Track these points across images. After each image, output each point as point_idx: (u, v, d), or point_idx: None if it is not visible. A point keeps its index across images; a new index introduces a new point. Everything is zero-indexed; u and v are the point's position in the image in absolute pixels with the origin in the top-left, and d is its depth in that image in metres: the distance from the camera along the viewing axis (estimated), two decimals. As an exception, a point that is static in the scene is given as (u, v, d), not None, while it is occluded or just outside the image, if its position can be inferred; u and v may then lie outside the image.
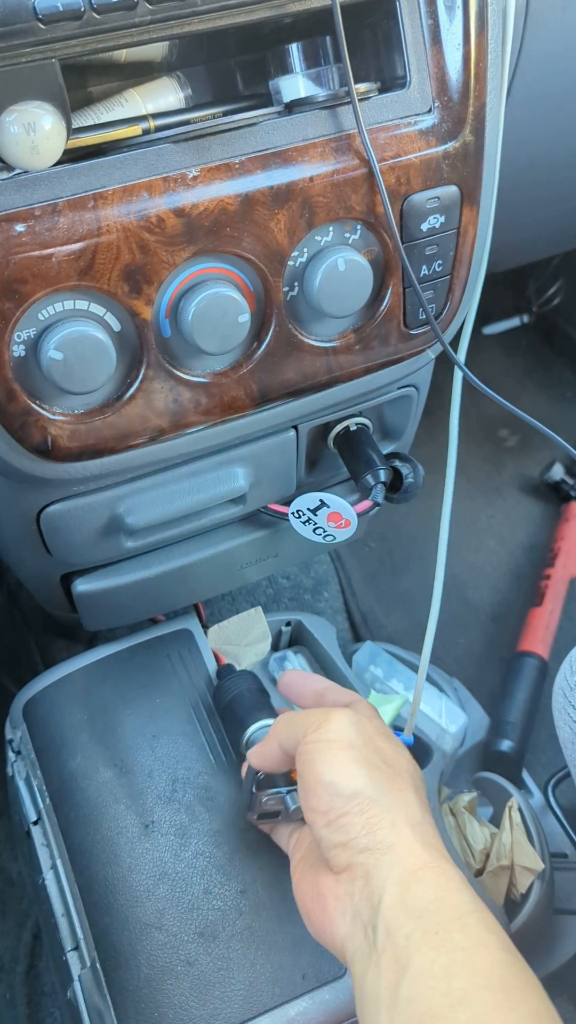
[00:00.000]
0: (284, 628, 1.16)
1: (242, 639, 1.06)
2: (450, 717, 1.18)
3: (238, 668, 0.97)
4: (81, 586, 0.91)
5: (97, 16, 0.58)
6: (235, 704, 0.88)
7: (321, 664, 1.15)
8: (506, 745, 1.29)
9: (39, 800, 0.91)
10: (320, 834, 0.66)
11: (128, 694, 0.93)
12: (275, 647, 1.16)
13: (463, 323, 0.84)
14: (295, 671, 0.83)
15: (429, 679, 1.26)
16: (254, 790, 0.77)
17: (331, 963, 0.78)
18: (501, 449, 1.92)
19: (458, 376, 0.85)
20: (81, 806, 0.87)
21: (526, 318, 2.06)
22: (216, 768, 0.89)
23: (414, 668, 1.26)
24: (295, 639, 1.18)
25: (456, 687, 1.32)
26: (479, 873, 1.06)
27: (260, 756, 0.76)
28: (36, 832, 0.91)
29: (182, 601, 1.01)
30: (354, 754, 0.67)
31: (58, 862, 0.87)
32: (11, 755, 0.97)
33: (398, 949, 0.59)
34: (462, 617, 1.61)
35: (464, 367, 0.76)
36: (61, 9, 0.57)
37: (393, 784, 0.66)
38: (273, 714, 0.87)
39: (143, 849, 0.83)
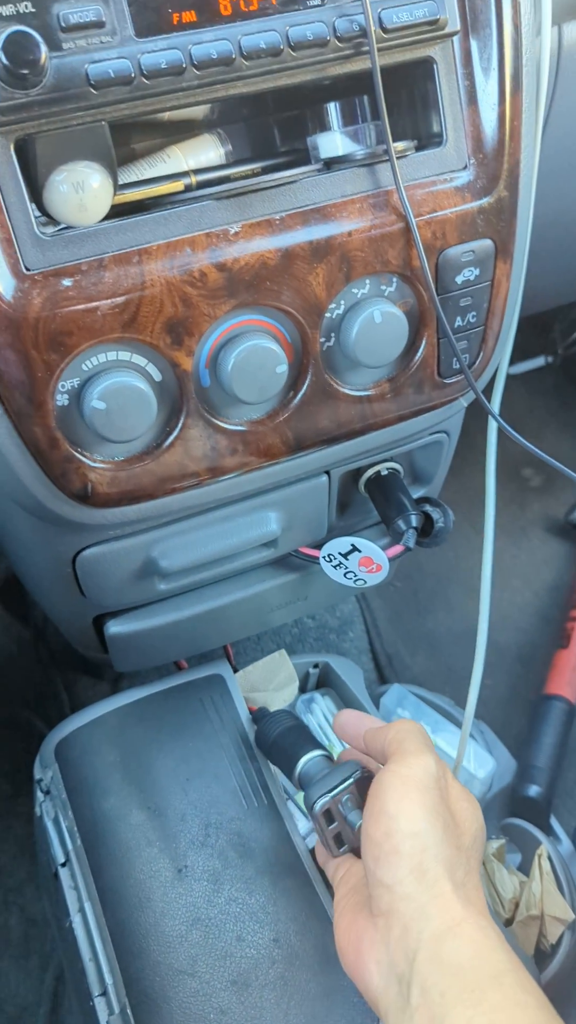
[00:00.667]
0: (312, 670, 1.16)
1: (269, 683, 1.06)
2: (478, 762, 1.17)
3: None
4: (114, 628, 0.92)
5: (147, 81, 0.60)
6: (281, 740, 0.88)
7: (348, 705, 1.15)
8: (534, 791, 1.28)
9: (68, 841, 0.91)
10: (369, 867, 0.66)
11: (161, 737, 0.93)
12: (302, 689, 1.17)
13: (496, 372, 0.85)
14: (350, 711, 0.83)
15: (456, 723, 1.25)
16: (319, 804, 0.76)
17: (365, 1015, 0.77)
18: (526, 489, 1.93)
19: (492, 426, 0.86)
20: (113, 849, 0.87)
21: (551, 358, 2.07)
22: (248, 813, 0.89)
23: (441, 711, 1.25)
24: (322, 681, 1.18)
25: (483, 730, 1.32)
26: (509, 923, 1.04)
27: (352, 724, 0.78)
28: (64, 874, 0.91)
29: (212, 643, 1.01)
30: (425, 798, 0.67)
31: (86, 905, 0.87)
32: (40, 795, 0.98)
33: (433, 1007, 0.58)
34: (487, 658, 1.60)
35: (498, 417, 0.77)
36: (112, 75, 0.59)
37: (451, 838, 0.66)
38: (317, 745, 0.87)
39: (176, 894, 0.83)
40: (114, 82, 0.59)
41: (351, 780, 0.77)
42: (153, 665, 1.01)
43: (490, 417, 0.80)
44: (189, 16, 0.61)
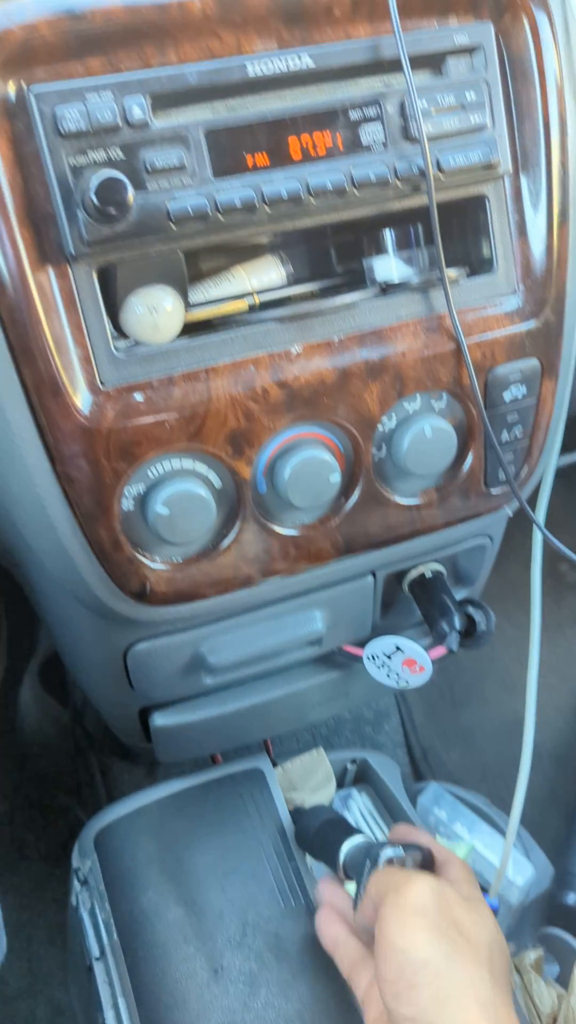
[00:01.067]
0: (349, 766, 1.16)
1: (306, 782, 1.07)
2: (516, 867, 1.16)
3: (308, 810, 0.98)
4: (159, 720, 0.93)
5: (221, 217, 0.65)
6: (322, 832, 0.89)
7: (385, 804, 1.14)
8: (573, 898, 1.25)
9: (104, 935, 0.91)
10: (390, 1006, 0.65)
11: (200, 831, 0.94)
12: (340, 784, 1.16)
13: (541, 482, 0.87)
14: (404, 826, 0.84)
15: (492, 824, 1.24)
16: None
17: None
18: (562, 584, 1.93)
19: (538, 537, 0.88)
20: (149, 945, 0.87)
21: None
22: (286, 913, 0.88)
23: (477, 811, 1.24)
24: (359, 777, 1.18)
25: (519, 833, 1.30)
26: (548, 1039, 1.01)
27: (360, 915, 0.76)
28: (99, 968, 0.90)
29: (253, 737, 1.03)
30: (427, 921, 0.67)
31: (120, 1001, 0.86)
32: (77, 885, 0.98)
33: None
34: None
35: (544, 528, 0.79)
36: (191, 212, 0.64)
37: (464, 957, 0.65)
38: (358, 831, 0.87)
39: (212, 995, 0.83)
40: (192, 218, 0.64)
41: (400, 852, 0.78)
42: (194, 757, 1.02)
43: (535, 526, 0.82)
44: (262, 159, 0.66)
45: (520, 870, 1.16)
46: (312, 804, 1.05)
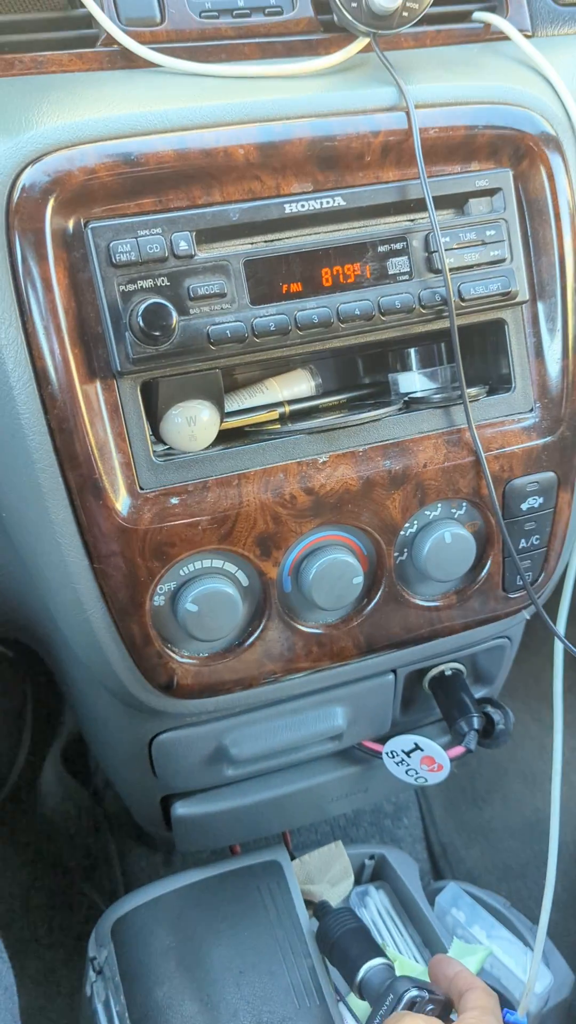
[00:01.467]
0: (367, 861, 1.16)
1: (324, 875, 1.07)
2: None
3: (324, 907, 0.99)
4: (180, 809, 0.95)
5: (257, 340, 0.70)
6: (343, 942, 0.89)
7: (403, 902, 1.14)
8: (593, 1008, 1.22)
9: (117, 1028, 0.91)
10: None
11: (217, 924, 0.95)
12: (357, 879, 1.16)
13: (562, 589, 0.90)
14: (442, 956, 0.85)
15: (511, 928, 1.22)
16: None
17: None
18: (584, 679, 1.92)
19: (559, 648, 0.90)
20: (162, 1041, 0.87)
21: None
22: (300, 1014, 0.88)
23: (496, 913, 1.23)
24: (377, 873, 1.18)
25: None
26: None
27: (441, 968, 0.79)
28: (111, 1062, 0.90)
29: (272, 829, 1.04)
30: None
31: None
32: (92, 974, 0.98)
33: None
34: (545, 857, 1.56)
35: (563, 638, 0.82)
36: (229, 335, 0.69)
37: None
38: (379, 951, 0.87)
39: None
40: (230, 340, 0.69)
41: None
42: (213, 847, 1.03)
43: (555, 636, 0.84)
44: (296, 287, 0.71)
45: (539, 977, 1.14)
46: (329, 898, 1.05)
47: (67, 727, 1.62)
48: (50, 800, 1.55)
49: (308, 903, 1.02)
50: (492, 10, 0.87)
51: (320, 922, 0.94)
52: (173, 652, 0.77)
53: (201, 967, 0.91)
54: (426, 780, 0.94)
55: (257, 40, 0.80)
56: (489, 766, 1.69)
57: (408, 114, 0.72)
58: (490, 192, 0.75)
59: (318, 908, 0.97)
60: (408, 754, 0.93)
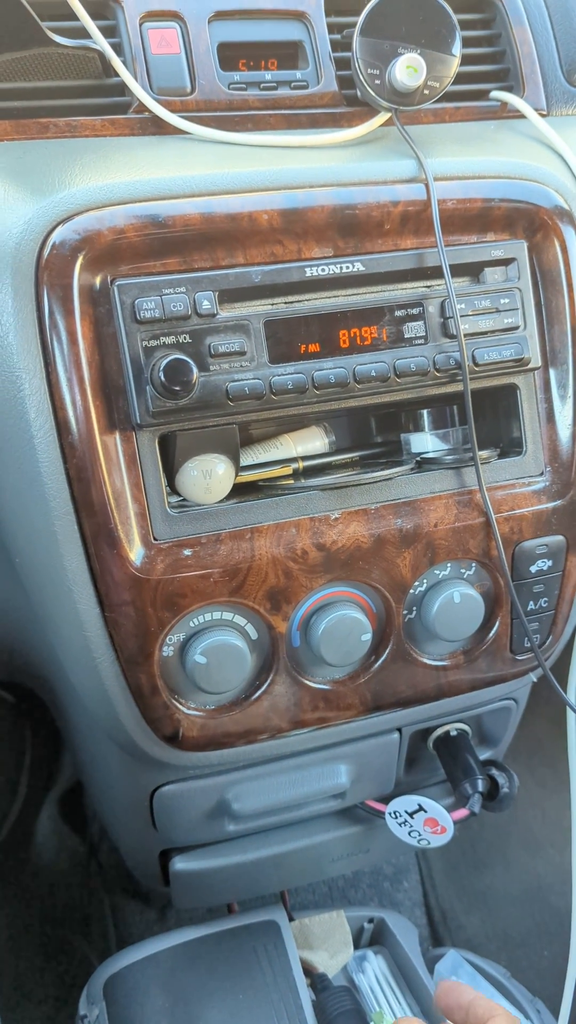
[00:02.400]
0: (366, 925, 1.14)
1: (323, 943, 1.05)
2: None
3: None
4: (179, 864, 0.94)
5: (274, 397, 0.72)
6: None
7: (401, 968, 1.11)
8: None
9: None
10: None
11: (211, 985, 0.93)
12: (355, 943, 1.14)
13: (573, 652, 0.90)
14: (449, 982, 0.82)
15: (512, 999, 1.19)
16: None
17: None
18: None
19: (572, 716, 0.90)
20: None
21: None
22: None
23: (497, 984, 1.20)
24: (376, 937, 1.15)
25: (540, 1009, 1.24)
26: None
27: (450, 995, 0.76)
28: None
29: (270, 888, 1.02)
30: None
31: None
32: (81, 1033, 0.96)
33: None
34: (547, 925, 1.53)
35: (570, 702, 0.82)
36: (247, 392, 0.71)
37: None
38: None
39: None
40: (248, 397, 0.71)
41: None
42: (211, 904, 1.02)
43: (565, 702, 0.84)
44: (314, 347, 0.73)
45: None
46: (327, 969, 1.03)
47: (65, 776, 1.60)
48: (44, 850, 1.52)
49: (306, 972, 1.00)
50: (509, 90, 0.91)
51: (317, 997, 0.92)
52: (180, 703, 0.77)
53: (195, 1029, 0.90)
54: (429, 842, 0.93)
55: (283, 112, 0.83)
56: (491, 830, 1.66)
57: (427, 186, 0.74)
58: (505, 262, 0.78)
59: (316, 980, 0.95)
60: (411, 815, 0.92)
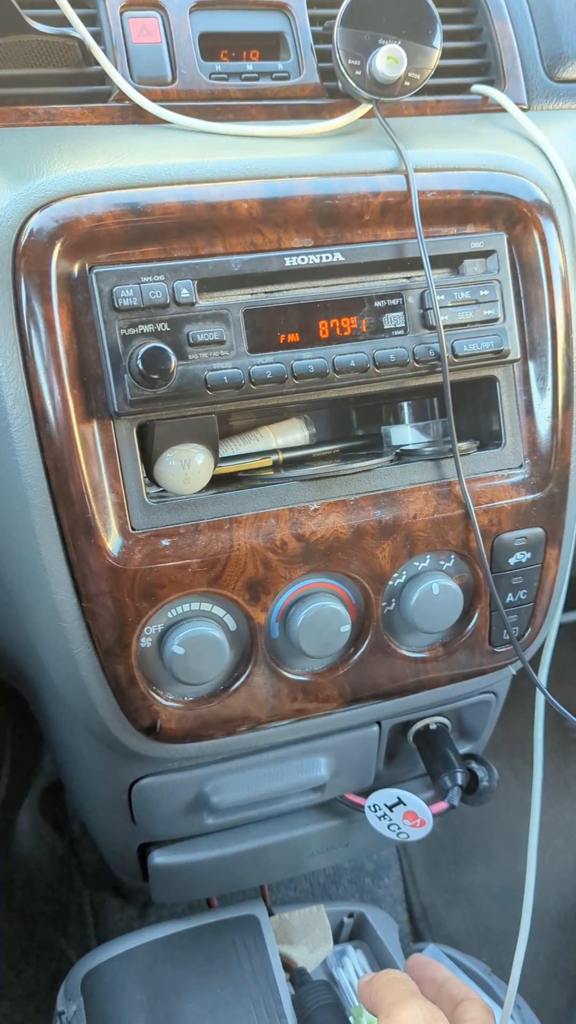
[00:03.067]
0: (346, 920, 1.14)
1: (303, 937, 1.05)
2: (515, 1042, 1.11)
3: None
4: (158, 858, 0.93)
5: (253, 387, 0.72)
6: (318, 1020, 0.87)
7: (381, 963, 1.11)
8: None
9: None
10: None
11: (190, 979, 0.92)
12: (335, 938, 1.14)
13: (544, 643, 0.90)
14: (423, 957, 0.81)
15: (492, 994, 1.19)
16: None
17: None
18: (568, 740, 1.91)
19: (540, 699, 0.90)
20: None
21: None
22: (271, 1076, 0.86)
23: (477, 979, 1.20)
24: (356, 932, 1.15)
25: (520, 1005, 1.24)
26: None
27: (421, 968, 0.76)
28: None
29: (250, 883, 1.02)
30: None
31: None
32: (59, 1029, 0.95)
33: None
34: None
35: (546, 691, 0.82)
36: (226, 381, 0.70)
37: None
38: None
39: None
40: (227, 386, 0.71)
41: None
42: (190, 899, 1.01)
43: (538, 687, 0.84)
44: (293, 337, 0.73)
45: (518, 1046, 1.11)
46: (307, 964, 1.02)
47: (45, 774, 1.59)
48: (24, 847, 1.52)
49: (285, 966, 1.00)
50: (490, 83, 0.91)
51: (296, 991, 0.92)
52: (158, 695, 0.77)
53: (172, 1024, 0.89)
54: (408, 836, 0.93)
55: (264, 102, 0.83)
56: (472, 827, 1.67)
57: (407, 177, 0.74)
58: (485, 254, 0.78)
59: (295, 975, 0.95)
60: (391, 808, 0.92)
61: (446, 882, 1.56)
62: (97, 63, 0.79)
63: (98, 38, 0.79)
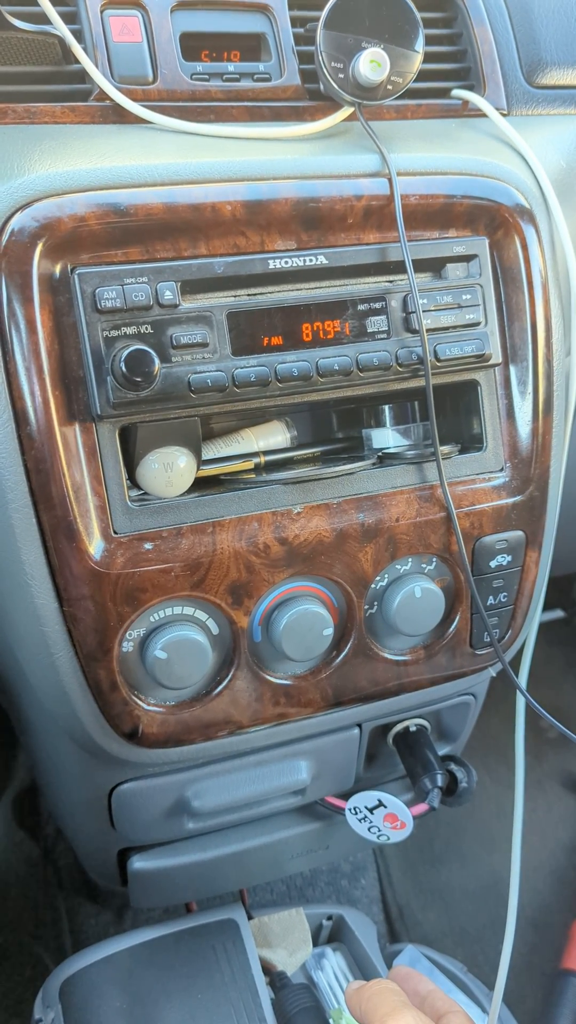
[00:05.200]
0: (325, 922, 1.14)
1: (282, 940, 1.05)
2: (492, 1041, 1.11)
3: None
4: (138, 863, 0.93)
5: (237, 390, 0.71)
6: (298, 1022, 0.87)
7: (359, 964, 1.11)
8: (549, 1079, 1.20)
9: None
10: None
11: (169, 985, 0.92)
12: (314, 939, 1.14)
13: (524, 646, 0.91)
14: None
15: (469, 993, 1.20)
16: None
17: None
18: (542, 740, 1.93)
19: (521, 701, 0.91)
20: None
21: (568, 613, 2.14)
22: (252, 1081, 0.85)
23: (454, 978, 1.21)
24: (334, 934, 1.15)
25: (501, 1015, 1.25)
26: None
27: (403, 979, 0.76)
28: None
29: (229, 887, 1.01)
30: None
31: None
32: (36, 1038, 0.94)
33: None
34: (502, 921, 1.54)
35: (526, 693, 0.82)
36: (210, 384, 0.70)
37: None
38: None
39: None
40: (210, 389, 0.70)
41: None
42: (169, 904, 1.01)
43: (518, 689, 0.85)
44: (277, 340, 0.73)
45: (495, 1045, 1.11)
46: (287, 967, 1.02)
47: (18, 779, 1.57)
48: (-2, 853, 1.50)
49: (265, 970, 0.99)
50: (471, 88, 0.91)
51: (276, 994, 0.92)
52: (139, 700, 0.76)
53: (153, 1030, 0.88)
54: (388, 838, 0.93)
55: (245, 104, 0.83)
56: (447, 827, 1.68)
57: (391, 180, 0.75)
58: (467, 258, 0.78)
59: (275, 978, 0.95)
60: (371, 811, 0.92)
61: (422, 883, 1.57)
62: (77, 61, 0.78)
63: (78, 36, 0.78)
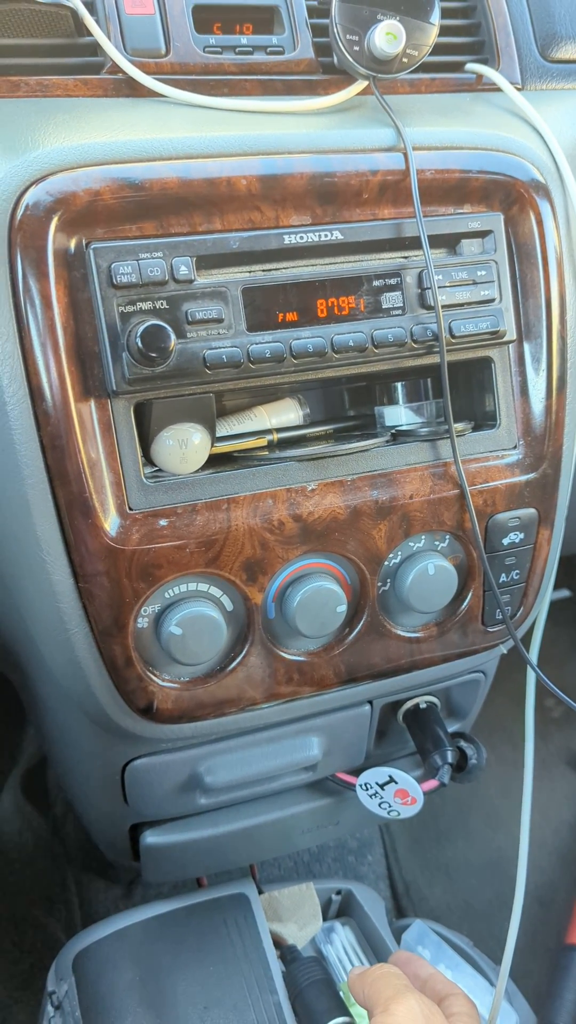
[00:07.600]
0: (334, 897, 1.15)
1: (292, 915, 1.06)
2: (501, 1014, 1.13)
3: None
4: (150, 838, 0.93)
5: (252, 366, 0.71)
6: (308, 993, 0.88)
7: (368, 939, 1.13)
8: (555, 1051, 1.21)
9: (75, 1065, 0.89)
10: None
11: (181, 957, 0.93)
12: (323, 914, 1.15)
13: (535, 624, 0.91)
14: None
15: (476, 967, 1.21)
16: None
17: None
18: (547, 719, 1.93)
19: (531, 677, 0.91)
20: (123, 1079, 0.85)
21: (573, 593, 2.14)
22: (265, 1051, 0.87)
23: (461, 952, 1.22)
24: (343, 909, 1.16)
25: (509, 989, 1.26)
26: None
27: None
28: None
29: (240, 862, 1.02)
30: None
31: None
32: (50, 1009, 0.95)
33: None
34: (507, 897, 1.56)
35: (537, 669, 0.83)
36: (225, 360, 0.70)
37: None
38: (344, 1010, 0.86)
39: None
40: (225, 365, 0.70)
41: None
42: (180, 879, 1.02)
43: (527, 665, 0.85)
44: (292, 317, 0.73)
45: (503, 1018, 1.13)
46: (297, 941, 1.03)
47: (27, 754, 1.58)
48: (7, 830, 1.51)
49: (276, 944, 1.01)
50: (485, 62, 0.90)
51: (287, 967, 0.93)
52: (154, 675, 0.76)
53: (165, 1003, 0.89)
54: (399, 813, 0.94)
55: (258, 77, 0.82)
56: (452, 804, 1.69)
57: (406, 155, 0.74)
58: (482, 234, 0.78)
59: (286, 952, 0.96)
60: (382, 787, 0.93)
61: (428, 859, 1.58)
62: (90, 34, 0.77)
63: (91, 8, 0.78)
